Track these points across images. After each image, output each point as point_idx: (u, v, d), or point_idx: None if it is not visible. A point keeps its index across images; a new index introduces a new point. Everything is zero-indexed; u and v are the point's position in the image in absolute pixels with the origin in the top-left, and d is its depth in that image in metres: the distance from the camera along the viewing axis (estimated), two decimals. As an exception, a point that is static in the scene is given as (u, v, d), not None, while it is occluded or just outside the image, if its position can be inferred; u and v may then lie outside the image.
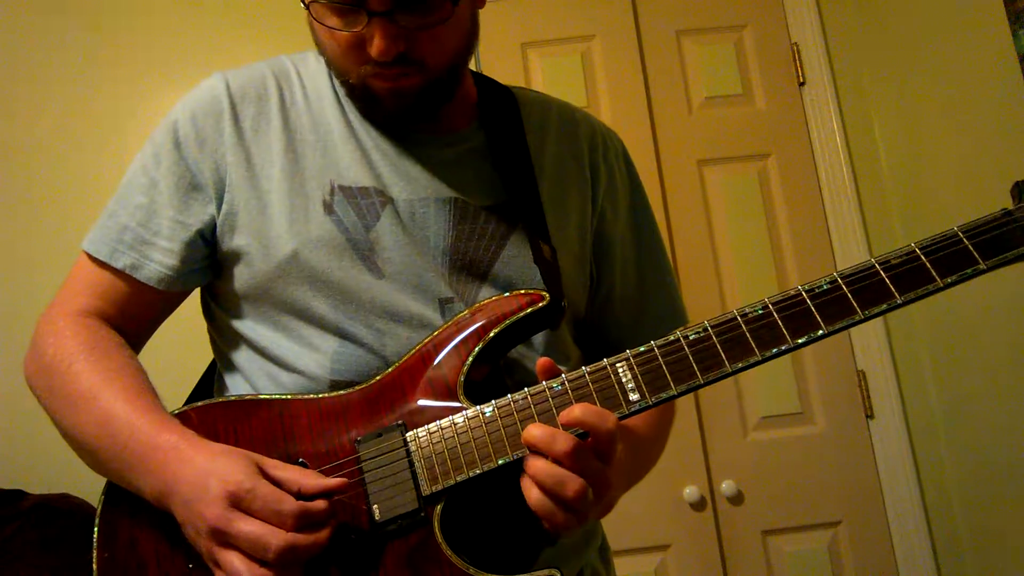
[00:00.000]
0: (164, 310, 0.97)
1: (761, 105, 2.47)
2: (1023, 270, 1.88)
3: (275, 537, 0.72)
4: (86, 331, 0.89)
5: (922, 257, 0.78)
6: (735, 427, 2.31)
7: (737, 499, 2.28)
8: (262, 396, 0.88)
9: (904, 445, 2.28)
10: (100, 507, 0.85)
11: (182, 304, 0.99)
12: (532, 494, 0.76)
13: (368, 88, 0.88)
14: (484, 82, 1.04)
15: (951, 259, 0.77)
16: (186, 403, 0.94)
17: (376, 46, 0.83)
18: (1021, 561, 1.95)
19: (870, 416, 2.31)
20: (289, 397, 0.87)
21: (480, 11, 0.94)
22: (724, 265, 2.38)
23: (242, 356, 0.94)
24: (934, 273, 0.77)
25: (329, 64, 0.93)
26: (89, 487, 0.97)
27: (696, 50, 2.49)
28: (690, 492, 2.25)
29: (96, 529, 0.84)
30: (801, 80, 2.46)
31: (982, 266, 0.76)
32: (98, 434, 0.83)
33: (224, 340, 0.98)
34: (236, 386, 0.95)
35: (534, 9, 2.47)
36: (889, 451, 2.29)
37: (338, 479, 0.78)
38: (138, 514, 0.83)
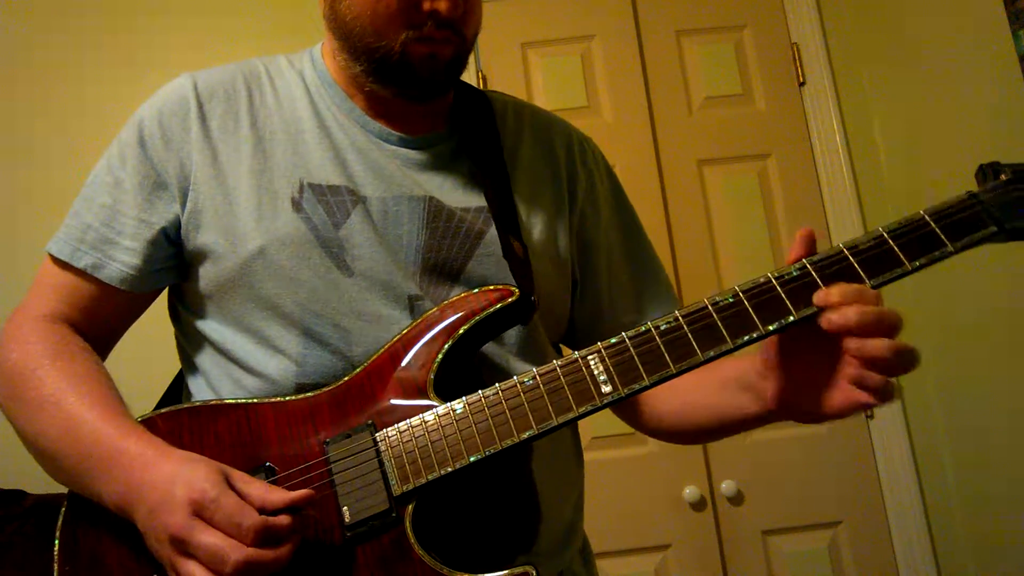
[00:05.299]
0: (130, 313, 0.95)
1: (761, 105, 2.46)
2: (1023, 269, 1.87)
3: (234, 551, 0.70)
4: (51, 337, 0.87)
5: (890, 241, 0.77)
6: (735, 427, 2.31)
7: (737, 499, 2.28)
8: (228, 400, 0.86)
9: (904, 445, 2.27)
10: (61, 519, 0.83)
11: (151, 309, 0.96)
12: (869, 345, 0.72)
13: (405, 55, 0.89)
14: (459, 86, 1.03)
15: (920, 242, 0.77)
16: (154, 410, 0.92)
17: (445, 1, 0.86)
18: (1021, 561, 1.95)
19: (870, 416, 2.31)
20: (256, 401, 0.85)
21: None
22: (724, 265, 2.38)
23: (206, 359, 0.93)
24: (903, 257, 0.76)
25: (360, 34, 0.90)
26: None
27: (696, 50, 2.48)
28: (690, 492, 2.24)
29: (57, 542, 0.82)
30: (801, 80, 2.46)
31: (950, 248, 0.76)
32: (61, 440, 0.81)
33: (189, 343, 0.96)
34: (199, 390, 0.93)
35: (534, 9, 2.47)
36: (889, 451, 2.28)
37: (304, 491, 0.75)
38: (101, 526, 0.81)
